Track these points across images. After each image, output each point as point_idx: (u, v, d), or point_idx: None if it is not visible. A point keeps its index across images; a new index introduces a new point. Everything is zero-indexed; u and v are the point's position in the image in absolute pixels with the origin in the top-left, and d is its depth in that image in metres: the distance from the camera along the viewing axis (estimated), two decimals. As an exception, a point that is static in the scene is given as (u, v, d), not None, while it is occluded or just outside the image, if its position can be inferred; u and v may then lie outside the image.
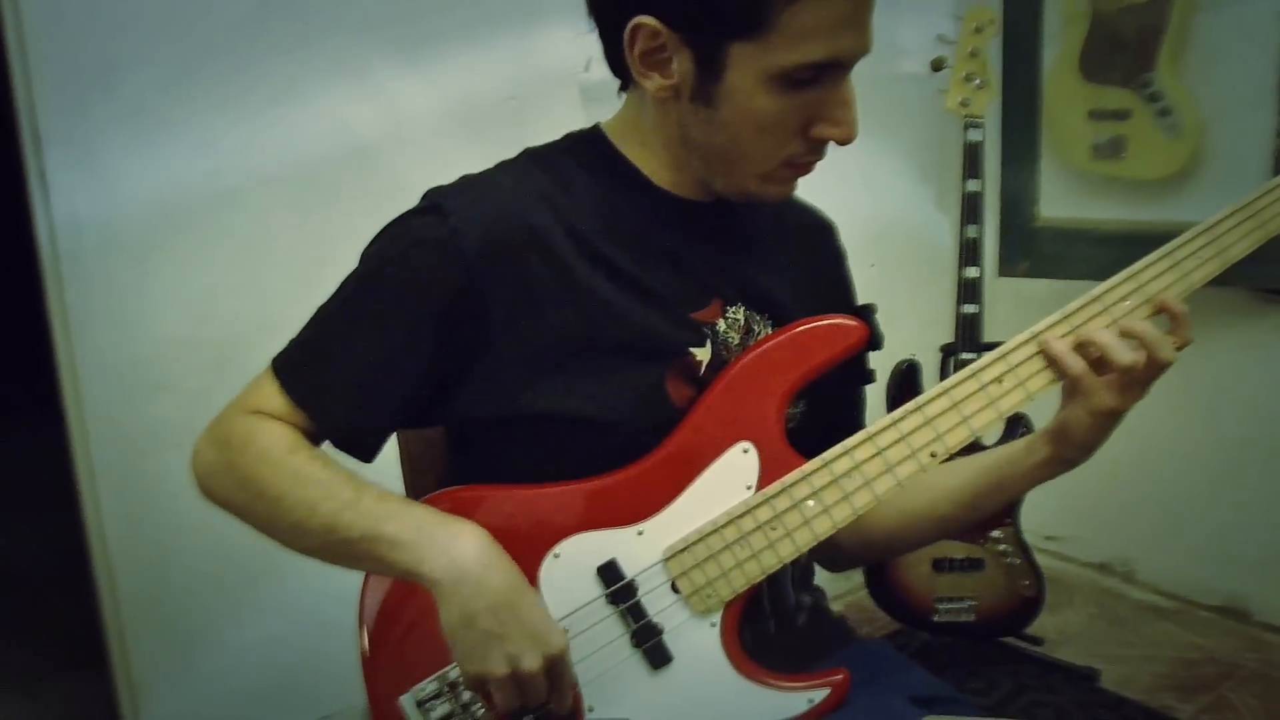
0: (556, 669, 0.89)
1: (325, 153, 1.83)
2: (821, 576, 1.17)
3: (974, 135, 2.07)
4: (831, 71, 0.89)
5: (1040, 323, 0.95)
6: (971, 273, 2.06)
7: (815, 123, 0.91)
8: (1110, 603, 2.50)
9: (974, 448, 0.99)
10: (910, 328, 2.27)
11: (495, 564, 0.89)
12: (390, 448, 1.21)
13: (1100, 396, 0.93)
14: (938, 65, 2.09)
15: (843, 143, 0.93)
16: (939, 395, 0.94)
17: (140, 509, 1.75)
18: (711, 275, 1.00)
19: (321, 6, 1.77)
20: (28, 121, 1.61)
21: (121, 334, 1.71)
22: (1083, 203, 2.31)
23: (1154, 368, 0.91)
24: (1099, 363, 0.92)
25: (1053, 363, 0.94)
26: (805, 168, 0.96)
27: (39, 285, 1.68)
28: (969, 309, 2.07)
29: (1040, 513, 2.32)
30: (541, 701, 0.90)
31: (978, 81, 2.05)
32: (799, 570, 1.10)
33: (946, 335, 2.12)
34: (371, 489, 0.94)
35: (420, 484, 1.16)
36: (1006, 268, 2.39)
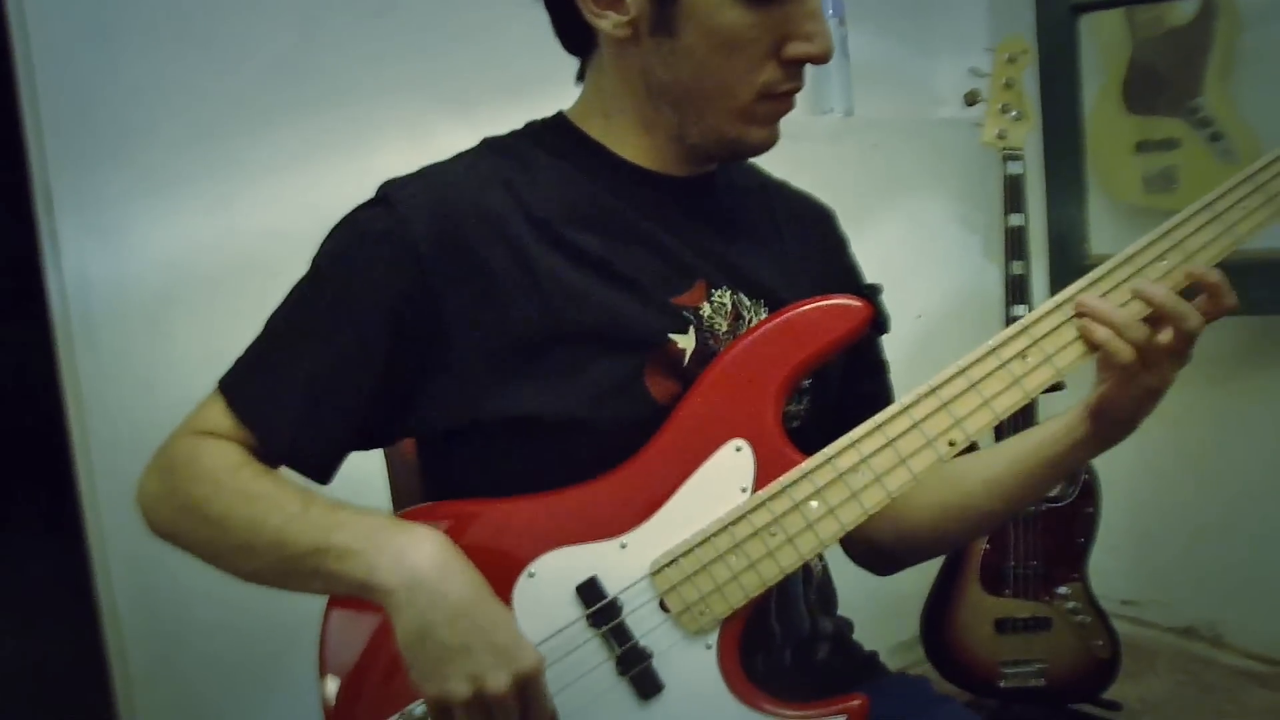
0: (528, 691, 0.79)
1: (341, 212, 1.80)
2: (863, 620, 1.06)
3: (1014, 168, 1.98)
4: None
5: (1066, 289, 0.84)
6: (1019, 311, 1.95)
7: (787, 41, 0.85)
8: (1198, 669, 2.29)
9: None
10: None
11: (454, 571, 0.80)
12: (378, 472, 1.14)
13: (1138, 375, 0.83)
14: (972, 99, 2.01)
15: (818, 60, 0.86)
16: (955, 376, 0.84)
17: (152, 583, 1.69)
18: (692, 255, 0.92)
19: (335, 67, 1.76)
20: (40, 181, 1.60)
21: (133, 395, 1.67)
22: (1136, 238, 2.19)
23: (1183, 340, 0.82)
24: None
25: (1085, 339, 0.83)
26: (784, 100, 0.88)
27: (50, 346, 1.65)
28: (1018, 349, 1.95)
29: (1114, 576, 2.17)
30: None
31: (1014, 113, 1.97)
32: (815, 592, 0.98)
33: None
34: (322, 500, 0.85)
35: (407, 507, 1.07)
36: (1059, 309, 2.27)
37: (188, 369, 1.66)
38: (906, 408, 0.84)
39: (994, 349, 0.84)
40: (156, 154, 1.63)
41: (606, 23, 0.87)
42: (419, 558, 0.80)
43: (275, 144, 1.71)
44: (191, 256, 1.68)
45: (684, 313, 0.90)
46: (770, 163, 1.00)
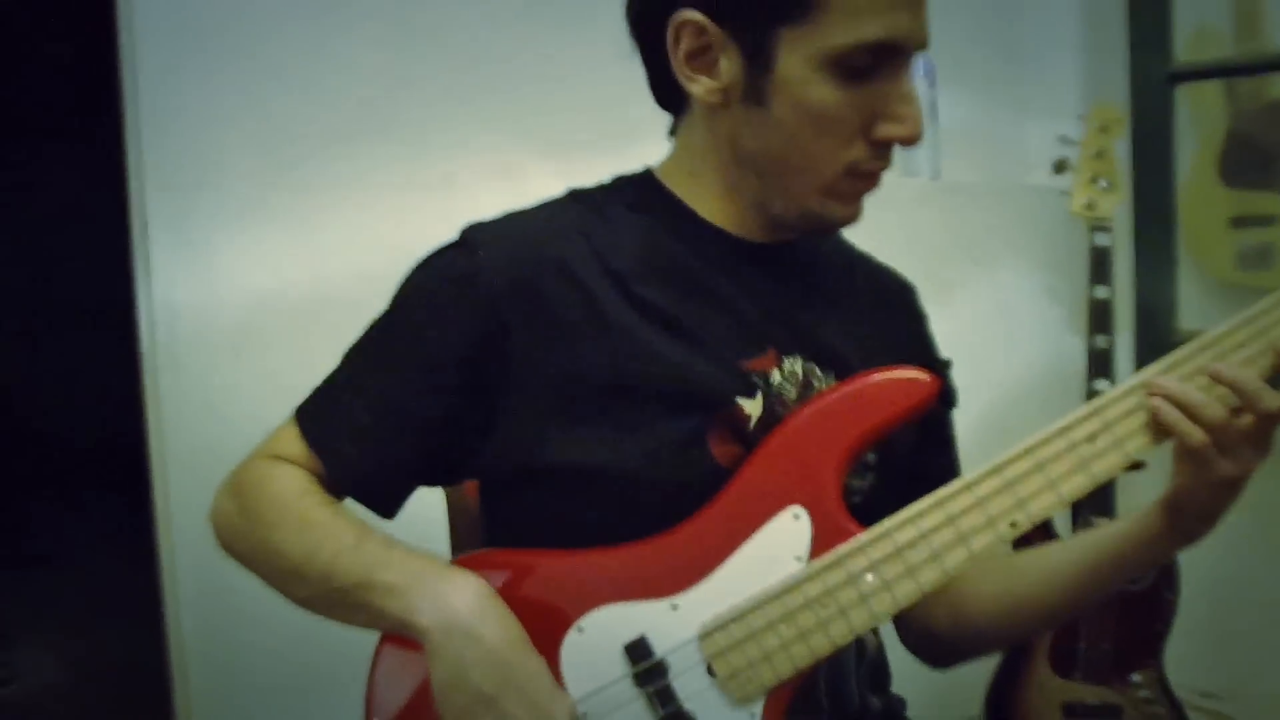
0: None
1: (426, 248, 1.83)
2: (922, 699, 1.03)
3: (1101, 240, 1.93)
4: (889, 58, 0.83)
5: (1140, 373, 0.82)
6: (1101, 385, 1.90)
7: (877, 121, 0.85)
8: (1282, 771, 2.18)
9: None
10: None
11: (492, 618, 0.81)
12: (440, 515, 1.15)
13: (1214, 463, 0.80)
14: (1061, 167, 1.98)
15: (907, 142, 0.85)
16: (1021, 456, 0.82)
17: (218, 605, 1.71)
18: (766, 321, 0.91)
19: (427, 109, 1.79)
20: (137, 207, 1.66)
21: (212, 420, 1.71)
22: (1228, 315, 2.12)
23: (1265, 423, 0.79)
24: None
25: (1156, 424, 0.81)
26: (870, 179, 0.88)
27: (136, 367, 1.70)
28: (1099, 424, 1.89)
29: (1193, 665, 2.07)
30: None
31: (1104, 183, 1.93)
32: (867, 667, 0.96)
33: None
34: (377, 536, 0.87)
35: (465, 551, 1.08)
36: (1144, 385, 2.20)
37: (266, 397, 1.69)
38: (969, 485, 0.82)
39: (1063, 429, 0.82)
40: (249, 188, 1.68)
41: (699, 87, 0.87)
42: (458, 601, 0.81)
43: (364, 182, 1.75)
44: (277, 288, 1.72)
45: (753, 378, 0.89)
46: (854, 225, 0.99)
